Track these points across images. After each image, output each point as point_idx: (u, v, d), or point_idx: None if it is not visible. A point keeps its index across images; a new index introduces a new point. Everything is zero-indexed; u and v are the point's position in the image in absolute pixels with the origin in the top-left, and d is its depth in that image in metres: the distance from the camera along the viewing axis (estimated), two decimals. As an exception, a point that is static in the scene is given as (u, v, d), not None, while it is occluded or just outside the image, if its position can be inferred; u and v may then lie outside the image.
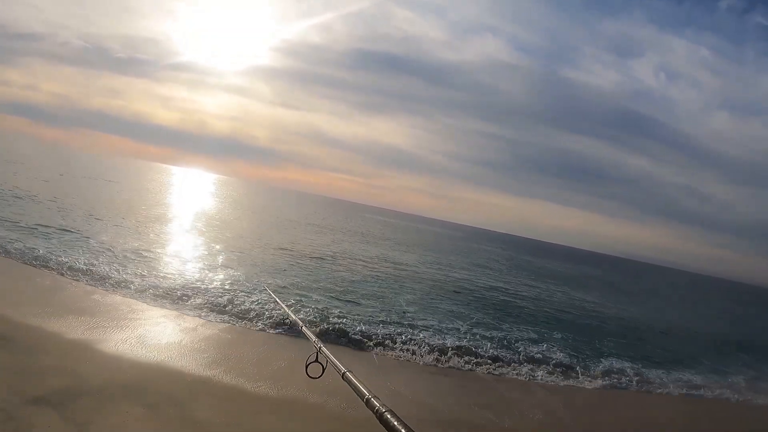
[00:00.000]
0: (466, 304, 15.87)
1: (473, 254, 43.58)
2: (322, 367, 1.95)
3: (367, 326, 10.09)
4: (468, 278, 23.26)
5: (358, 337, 9.41)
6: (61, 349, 6.43)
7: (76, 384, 5.52)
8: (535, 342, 11.95)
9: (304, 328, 2.50)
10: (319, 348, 1.98)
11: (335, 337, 9.17)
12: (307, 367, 1.95)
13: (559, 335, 13.44)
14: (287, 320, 2.70)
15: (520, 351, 10.71)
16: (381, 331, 9.97)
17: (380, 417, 1.26)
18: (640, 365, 11.68)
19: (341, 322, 10.02)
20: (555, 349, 11.48)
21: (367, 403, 1.37)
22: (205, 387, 6.26)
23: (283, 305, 3.25)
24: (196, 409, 5.61)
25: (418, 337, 9.98)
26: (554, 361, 10.43)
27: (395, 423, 1.19)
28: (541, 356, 10.63)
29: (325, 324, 9.66)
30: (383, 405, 1.29)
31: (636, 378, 10.59)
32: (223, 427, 5.38)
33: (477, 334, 11.57)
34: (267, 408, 6.04)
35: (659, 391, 10.25)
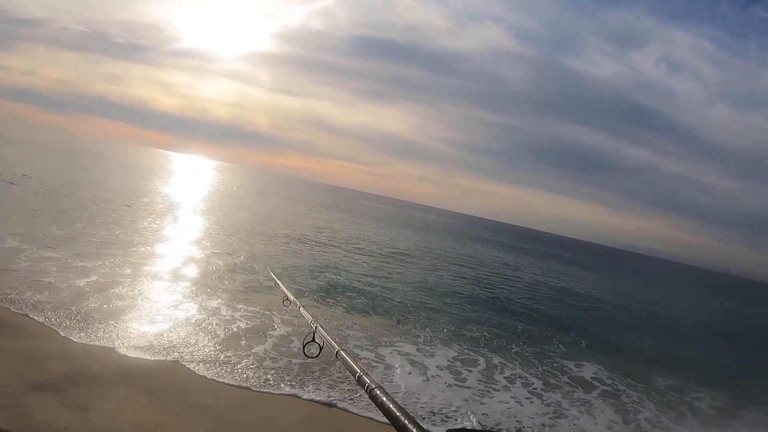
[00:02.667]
0: (477, 311, 13.74)
1: (481, 247, 43.57)
2: (319, 346, 1.98)
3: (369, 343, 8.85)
4: (479, 278, 23.27)
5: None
6: (62, 336, 6.54)
7: (77, 370, 5.63)
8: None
9: (302, 308, 2.54)
10: (316, 328, 2.02)
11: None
12: (304, 347, 1.99)
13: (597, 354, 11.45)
14: (285, 301, 2.77)
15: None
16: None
17: (370, 393, 1.30)
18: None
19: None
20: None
21: (359, 380, 1.41)
22: (205, 374, 6.36)
23: (282, 286, 3.29)
24: (196, 395, 5.73)
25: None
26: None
27: (384, 399, 1.23)
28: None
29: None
30: (373, 381, 1.33)
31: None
32: (224, 413, 5.50)
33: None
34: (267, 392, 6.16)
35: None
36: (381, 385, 1.32)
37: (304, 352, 1.99)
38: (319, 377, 6.83)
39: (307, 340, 2.00)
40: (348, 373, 1.55)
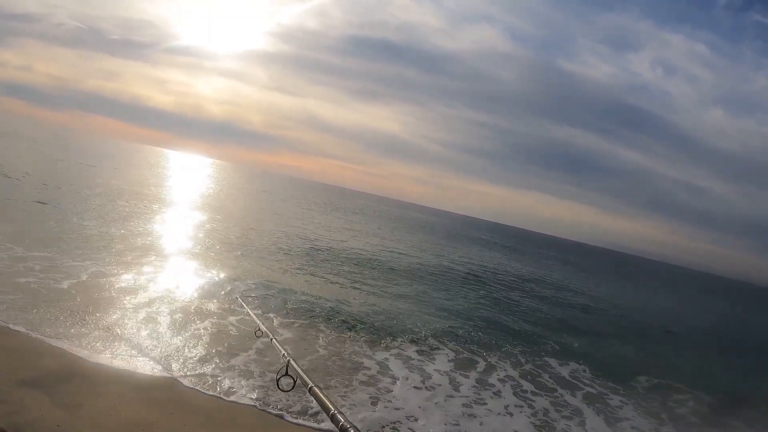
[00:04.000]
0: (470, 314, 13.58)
1: (473, 246, 43.71)
2: (293, 380, 1.96)
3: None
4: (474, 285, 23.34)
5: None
6: (54, 332, 6.47)
7: (68, 366, 5.59)
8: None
9: (274, 341, 2.47)
10: (288, 362, 1.98)
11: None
12: (278, 381, 1.96)
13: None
14: (258, 332, 2.68)
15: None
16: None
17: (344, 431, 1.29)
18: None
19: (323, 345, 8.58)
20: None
21: (332, 418, 1.39)
22: (194, 379, 6.34)
23: (254, 316, 3.15)
24: (189, 395, 5.72)
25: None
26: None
27: None
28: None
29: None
30: (348, 420, 1.33)
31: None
32: (217, 413, 5.49)
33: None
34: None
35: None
36: (354, 424, 1.31)
37: (278, 386, 1.96)
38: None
39: (281, 374, 1.97)
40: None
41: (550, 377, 9.53)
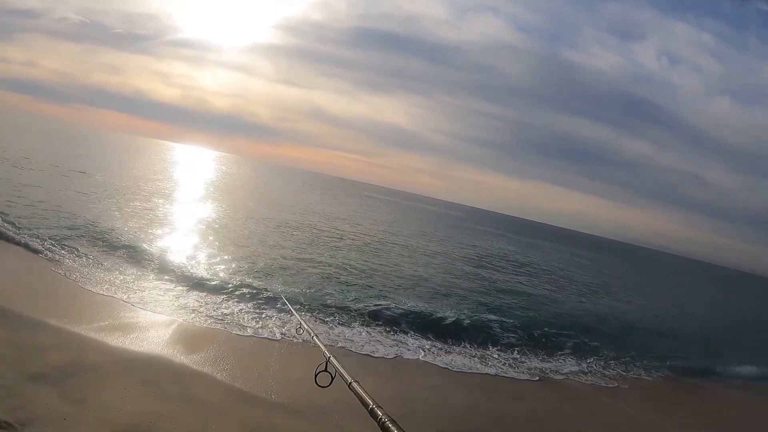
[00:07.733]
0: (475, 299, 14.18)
1: (480, 239, 43.49)
2: (331, 376, 2.01)
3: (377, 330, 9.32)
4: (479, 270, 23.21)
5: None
6: (61, 326, 6.50)
7: (75, 360, 5.59)
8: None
9: (315, 338, 2.57)
10: (329, 358, 2.04)
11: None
12: (316, 376, 2.01)
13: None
14: (299, 328, 2.97)
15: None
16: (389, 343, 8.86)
17: (382, 426, 1.31)
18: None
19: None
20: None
21: (371, 412, 1.41)
22: (205, 369, 6.33)
23: (297, 315, 3.34)
24: (195, 387, 5.71)
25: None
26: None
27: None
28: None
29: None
30: (386, 414, 1.34)
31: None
32: (223, 405, 5.48)
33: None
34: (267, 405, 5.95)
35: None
36: (394, 418, 1.33)
37: (315, 382, 2.01)
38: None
39: (319, 370, 2.02)
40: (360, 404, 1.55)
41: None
